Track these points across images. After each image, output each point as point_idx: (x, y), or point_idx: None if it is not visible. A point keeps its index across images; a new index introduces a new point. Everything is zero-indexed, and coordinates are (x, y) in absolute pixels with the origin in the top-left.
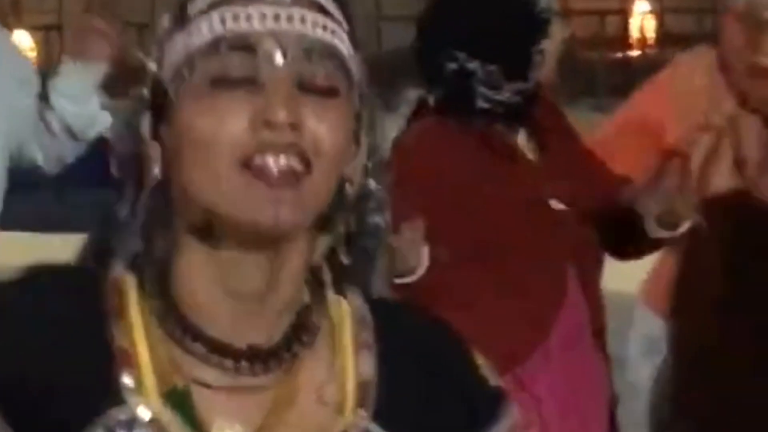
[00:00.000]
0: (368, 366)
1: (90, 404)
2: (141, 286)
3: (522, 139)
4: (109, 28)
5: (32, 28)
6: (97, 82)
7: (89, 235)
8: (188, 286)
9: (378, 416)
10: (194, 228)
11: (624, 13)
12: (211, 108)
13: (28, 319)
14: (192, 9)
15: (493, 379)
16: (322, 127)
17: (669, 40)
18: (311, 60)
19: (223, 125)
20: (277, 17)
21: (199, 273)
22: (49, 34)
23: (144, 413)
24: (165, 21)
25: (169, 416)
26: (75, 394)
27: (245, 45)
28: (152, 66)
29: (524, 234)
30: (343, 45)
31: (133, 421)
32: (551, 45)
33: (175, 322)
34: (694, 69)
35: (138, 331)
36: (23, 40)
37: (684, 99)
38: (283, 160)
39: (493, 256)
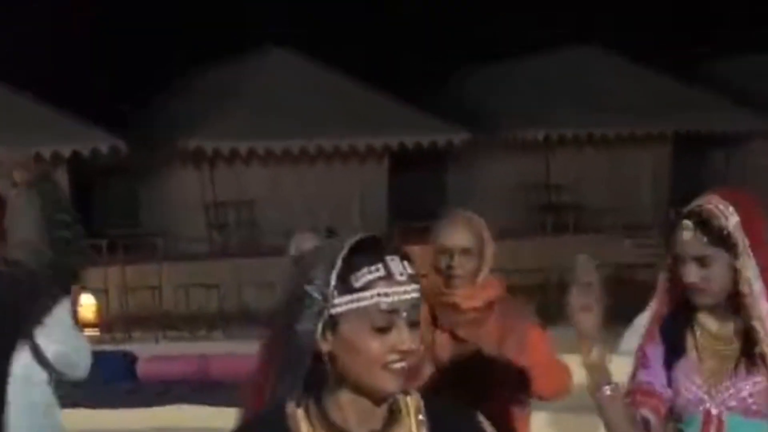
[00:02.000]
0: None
1: None
2: (306, 413)
3: None
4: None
5: None
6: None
7: (283, 388)
8: (338, 409)
9: None
10: (348, 386)
11: None
12: (373, 341)
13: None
14: (355, 282)
15: None
16: (416, 345)
17: None
18: (414, 311)
19: (378, 351)
20: (404, 292)
21: (345, 404)
22: None
23: None
24: (333, 276)
25: None
26: None
27: (392, 310)
28: (322, 301)
29: None
30: (419, 295)
31: None
32: None
33: (330, 427)
34: None
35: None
36: None
37: None
38: (404, 364)
39: None
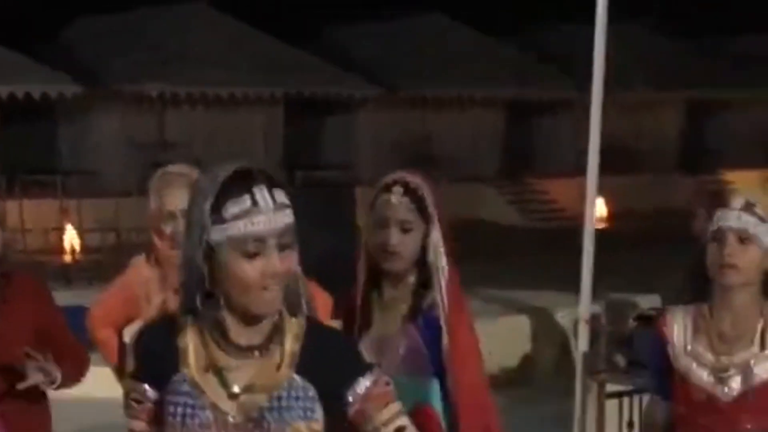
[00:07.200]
0: (297, 347)
1: (170, 370)
2: (198, 326)
3: None
4: None
5: None
6: None
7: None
8: (226, 324)
9: (299, 372)
10: (232, 306)
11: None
12: (246, 266)
13: (152, 343)
14: (225, 213)
15: (366, 358)
16: (286, 267)
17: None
18: (284, 236)
19: (252, 274)
20: (270, 221)
21: (231, 320)
22: None
23: (187, 377)
24: (206, 208)
25: (206, 379)
26: (168, 367)
27: (260, 238)
28: (201, 232)
29: None
30: (291, 219)
31: (183, 380)
32: None
33: (220, 338)
34: (142, 267)
35: (191, 343)
36: None
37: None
38: (277, 286)
39: None
